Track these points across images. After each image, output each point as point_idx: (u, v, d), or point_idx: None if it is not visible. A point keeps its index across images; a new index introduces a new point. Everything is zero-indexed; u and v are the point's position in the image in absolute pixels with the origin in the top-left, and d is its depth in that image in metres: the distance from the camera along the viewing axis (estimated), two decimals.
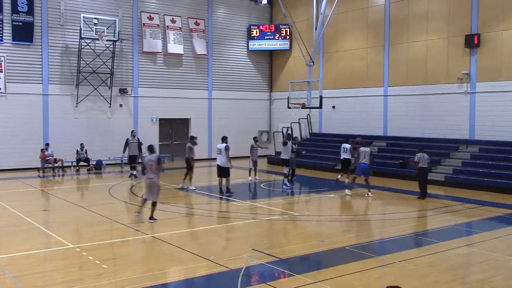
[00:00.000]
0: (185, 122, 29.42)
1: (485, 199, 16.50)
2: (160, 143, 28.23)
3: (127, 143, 21.56)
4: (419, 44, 23.86)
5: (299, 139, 20.81)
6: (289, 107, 24.76)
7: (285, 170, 19.00)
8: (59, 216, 13.78)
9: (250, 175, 20.90)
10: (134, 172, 21.43)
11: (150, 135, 27.42)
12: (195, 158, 18.81)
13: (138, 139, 21.99)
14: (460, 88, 22.18)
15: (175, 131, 29.16)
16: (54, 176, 22.45)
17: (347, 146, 19.81)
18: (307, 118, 29.17)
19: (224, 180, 17.15)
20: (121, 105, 26.78)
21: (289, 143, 18.99)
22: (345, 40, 27.57)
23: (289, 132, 21.29)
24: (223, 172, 17.06)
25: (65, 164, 23.84)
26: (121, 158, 25.51)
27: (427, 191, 16.71)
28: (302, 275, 8.53)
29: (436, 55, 23.16)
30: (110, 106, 26.27)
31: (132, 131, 22.46)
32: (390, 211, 15.32)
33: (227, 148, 16.83)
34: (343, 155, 19.92)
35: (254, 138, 21.51)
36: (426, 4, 23.59)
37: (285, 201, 16.80)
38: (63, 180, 21.83)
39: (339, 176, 20.63)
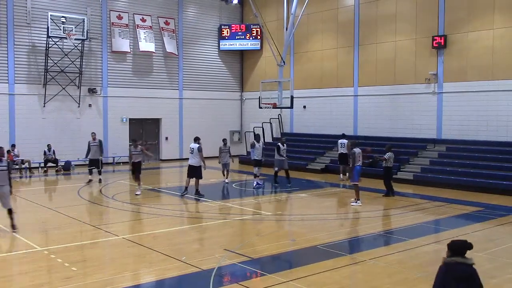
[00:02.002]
0: (156, 122, 29.17)
1: (452, 197, 16.85)
2: (130, 143, 27.80)
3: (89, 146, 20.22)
4: (388, 44, 24.22)
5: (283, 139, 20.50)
6: (260, 107, 24.82)
7: (255, 170, 19.00)
8: (26, 218, 13.47)
9: (224, 176, 20.57)
10: (89, 177, 20.17)
11: (120, 136, 27.13)
12: (137, 161, 17.29)
13: (100, 141, 20.69)
14: (428, 88, 22.60)
15: (145, 131, 28.88)
16: (21, 177, 21.97)
17: (344, 141, 20.70)
18: (278, 118, 29.27)
19: (193, 180, 16.78)
20: (90, 105, 26.37)
21: (257, 144, 19.22)
22: (316, 40, 27.78)
23: (258, 133, 20.74)
24: (194, 172, 16.60)
25: (32, 165, 23.37)
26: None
27: (393, 189, 16.97)
28: (274, 274, 8.55)
29: (405, 55, 23.55)
30: (79, 106, 25.85)
31: (92, 133, 20.84)
32: (360, 210, 15.49)
33: (200, 149, 16.37)
34: (341, 150, 21.03)
35: (223, 140, 20.82)
36: (395, 5, 23.96)
37: (256, 201, 16.83)
38: (31, 182, 21.37)
39: (341, 176, 21.44)
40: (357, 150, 15.88)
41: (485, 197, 16.80)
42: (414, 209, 14.98)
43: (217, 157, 20.72)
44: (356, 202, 15.38)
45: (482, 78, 20.85)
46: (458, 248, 5.09)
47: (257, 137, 19.70)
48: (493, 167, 18.78)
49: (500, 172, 18.32)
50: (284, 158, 19.31)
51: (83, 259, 9.60)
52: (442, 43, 21.81)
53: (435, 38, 22.04)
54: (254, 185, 18.83)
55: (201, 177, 16.73)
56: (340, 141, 21.30)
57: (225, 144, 20.33)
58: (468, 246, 5.10)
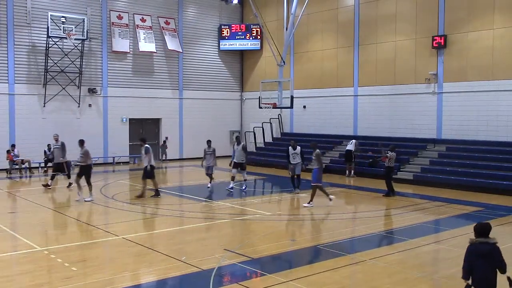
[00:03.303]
0: (156, 122, 29.17)
1: (452, 197, 16.85)
2: (131, 143, 27.92)
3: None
4: (388, 44, 24.22)
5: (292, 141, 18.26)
6: (260, 107, 24.82)
7: (233, 172, 18.21)
8: (26, 218, 13.48)
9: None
10: (50, 183, 18.50)
11: (120, 135, 27.14)
12: (88, 163, 16.22)
13: (62, 143, 18.70)
14: (428, 88, 22.60)
15: (145, 131, 28.86)
16: (21, 177, 21.97)
17: (353, 140, 22.51)
18: (278, 118, 29.27)
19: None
20: (90, 105, 26.38)
21: (236, 146, 18.33)
22: (316, 40, 27.78)
23: (238, 135, 19.66)
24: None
25: (32, 165, 23.37)
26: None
27: (393, 188, 17.00)
28: (274, 274, 8.55)
29: (405, 55, 23.55)
30: (78, 106, 25.85)
31: (54, 135, 19.28)
32: (360, 210, 15.50)
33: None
34: (348, 147, 22.26)
35: (207, 142, 19.26)
36: (395, 5, 23.96)
37: (256, 201, 16.82)
38: (31, 182, 21.37)
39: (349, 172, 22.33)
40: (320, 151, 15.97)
41: (485, 197, 16.80)
42: (414, 209, 14.98)
43: (218, 156, 20.51)
44: (309, 203, 15.05)
45: (482, 78, 20.84)
46: (480, 230, 6.06)
47: (237, 138, 18.82)
48: (493, 167, 18.78)
49: (500, 172, 18.31)
50: (294, 163, 17.49)
51: (83, 259, 9.60)
52: (442, 43, 21.81)
53: (435, 38, 22.04)
54: (230, 187, 17.87)
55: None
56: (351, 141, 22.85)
57: (209, 146, 18.96)
58: (488, 228, 6.05)
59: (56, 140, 18.86)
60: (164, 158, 28.34)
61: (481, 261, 5.93)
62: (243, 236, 11.86)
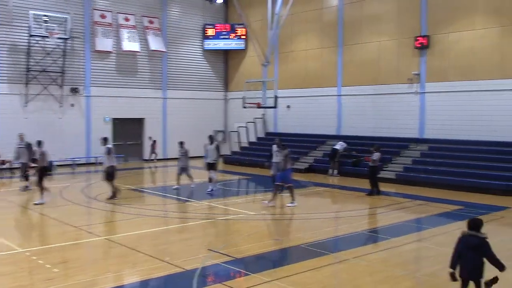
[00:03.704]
0: (139, 122, 29.00)
1: (434, 195, 17.02)
2: (114, 143, 27.70)
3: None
4: (372, 45, 24.38)
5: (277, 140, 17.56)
6: (244, 107, 24.83)
7: (209, 174, 17.63)
8: (8, 220, 13.32)
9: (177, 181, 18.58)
10: (27, 184, 17.90)
11: (103, 135, 26.84)
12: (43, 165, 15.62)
13: (28, 143, 17.99)
14: (411, 88, 22.81)
15: (129, 131, 28.71)
16: (1, 178, 21.69)
17: (344, 143, 22.78)
18: (262, 118, 29.30)
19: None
20: (72, 105, 26.12)
21: (209, 146, 17.65)
22: (300, 40, 27.86)
23: (212, 134, 18.87)
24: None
25: (14, 165, 23.05)
26: (73, 158, 25.00)
27: (379, 188, 17.18)
28: (257, 274, 8.57)
29: (388, 55, 23.73)
30: (61, 106, 25.60)
31: (19, 134, 18.91)
32: (344, 209, 15.59)
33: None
34: (336, 146, 22.57)
35: (180, 143, 18.80)
36: (378, 6, 24.13)
37: (240, 200, 16.83)
38: (11, 183, 21.10)
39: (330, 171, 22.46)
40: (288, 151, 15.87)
41: (466, 195, 17.00)
42: (396, 208, 15.11)
43: (199, 156, 20.45)
44: (292, 203, 15.04)
45: (464, 78, 21.09)
46: (472, 224, 6.51)
47: (210, 137, 18.09)
48: (474, 166, 19.01)
49: (481, 171, 18.55)
50: (276, 162, 16.60)
51: (65, 261, 9.51)
52: (425, 44, 22.03)
53: (417, 38, 22.25)
54: (209, 190, 17.35)
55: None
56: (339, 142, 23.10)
57: (181, 147, 18.57)
58: (480, 223, 6.49)
59: (21, 139, 18.41)
60: (153, 158, 28.25)
61: (470, 253, 6.36)
62: (226, 236, 11.86)
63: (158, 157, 28.44)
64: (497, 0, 20.07)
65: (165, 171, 25.24)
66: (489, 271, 6.38)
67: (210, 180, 17.53)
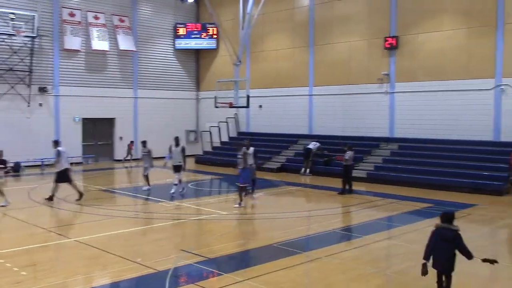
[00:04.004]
0: (110, 121, 28.63)
1: (404, 194, 17.27)
2: (84, 143, 27.33)
3: None
4: (342, 45, 24.62)
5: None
6: (216, 107, 24.76)
7: (177, 176, 16.94)
8: None
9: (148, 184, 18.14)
10: None
11: (73, 136, 26.48)
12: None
13: None
14: (381, 88, 23.11)
15: (99, 131, 28.32)
16: None
17: (317, 143, 22.88)
18: (234, 117, 29.28)
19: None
20: (40, 104, 25.62)
21: (174, 148, 17.00)
22: (272, 40, 27.93)
23: (178, 136, 17.79)
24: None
25: None
26: (41, 159, 24.54)
27: (352, 187, 17.37)
28: (230, 273, 8.56)
29: (358, 56, 24.00)
30: (29, 105, 25.07)
31: None
32: (316, 208, 15.70)
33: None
34: (309, 145, 22.60)
35: (142, 142, 18.48)
36: (348, 7, 24.37)
37: (213, 200, 16.78)
38: None
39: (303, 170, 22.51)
40: (250, 150, 15.91)
41: (435, 193, 17.30)
42: (367, 206, 15.29)
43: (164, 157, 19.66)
44: (239, 204, 14.79)
45: (432, 78, 21.48)
46: (445, 217, 6.87)
47: (175, 139, 17.32)
48: (443, 165, 19.39)
49: (449, 169, 18.94)
50: (253, 165, 16.49)
51: (34, 263, 9.32)
52: (394, 44, 22.36)
53: (387, 39, 22.57)
54: (172, 191, 16.66)
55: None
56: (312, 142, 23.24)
57: (144, 146, 18.20)
58: (452, 216, 6.88)
59: None
60: (128, 159, 28.02)
61: (443, 245, 6.71)
62: (199, 236, 11.81)
63: (130, 158, 28.17)
64: (465, 2, 20.50)
65: (137, 172, 24.96)
66: (461, 262, 6.80)
67: (180, 181, 17.01)
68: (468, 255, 6.69)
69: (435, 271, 6.88)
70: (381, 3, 23.03)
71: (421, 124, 21.77)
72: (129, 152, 28.13)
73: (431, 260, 6.81)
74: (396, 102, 22.69)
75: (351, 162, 17.53)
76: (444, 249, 6.70)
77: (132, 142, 28.24)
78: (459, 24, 20.74)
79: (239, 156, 15.43)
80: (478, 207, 15.00)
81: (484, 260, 6.70)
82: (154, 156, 18.21)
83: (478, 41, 20.23)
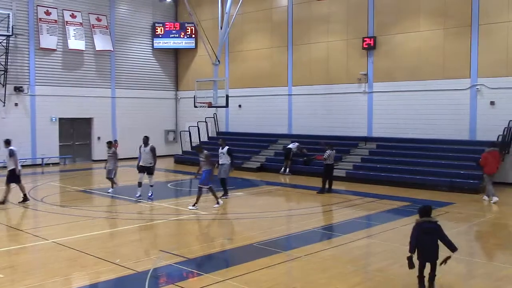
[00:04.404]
0: (88, 121, 28.31)
1: (382, 192, 17.45)
2: (61, 143, 26.97)
3: None
4: (321, 45, 24.75)
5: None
6: (195, 106, 24.65)
7: (140, 177, 15.99)
8: None
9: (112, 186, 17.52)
10: None
11: (50, 136, 26.12)
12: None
13: None
14: (359, 87, 23.31)
15: (76, 131, 27.99)
16: None
17: (296, 143, 22.98)
18: (213, 117, 29.21)
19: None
20: (16, 104, 25.20)
21: (143, 148, 15.92)
22: (250, 40, 27.94)
23: (147, 135, 16.53)
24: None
25: None
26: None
27: (331, 186, 17.48)
28: (210, 274, 8.53)
29: (337, 56, 24.16)
30: (4, 105, 24.65)
31: None
32: (295, 207, 15.77)
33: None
34: (290, 145, 22.80)
35: (107, 143, 17.91)
36: (327, 7, 24.52)
37: (192, 200, 16.68)
38: None
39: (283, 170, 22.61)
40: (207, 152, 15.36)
41: (412, 192, 17.52)
42: (346, 205, 15.40)
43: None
44: (194, 206, 14.46)
45: (409, 78, 21.75)
46: (423, 211, 7.48)
47: (145, 139, 16.10)
48: (420, 164, 19.65)
49: (426, 168, 19.21)
50: (220, 164, 16.51)
51: (11, 265, 9.18)
52: (372, 44, 22.57)
53: (365, 39, 22.78)
54: (138, 195, 15.80)
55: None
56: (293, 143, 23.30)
57: (109, 147, 17.57)
58: (429, 209, 7.52)
59: None
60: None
61: (426, 237, 7.30)
62: (179, 237, 11.76)
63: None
64: (441, 3, 20.80)
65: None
66: (441, 251, 7.45)
67: (140, 185, 15.85)
68: (451, 246, 7.32)
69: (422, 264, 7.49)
70: (359, 3, 23.23)
71: (399, 123, 22.03)
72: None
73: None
74: (374, 102, 22.92)
75: (331, 161, 17.62)
76: (428, 241, 7.28)
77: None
78: (435, 25, 21.03)
79: (201, 159, 14.77)
80: (455, 206, 15.24)
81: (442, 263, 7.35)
82: (120, 158, 17.82)
83: (454, 41, 20.55)
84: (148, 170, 15.99)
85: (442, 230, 7.37)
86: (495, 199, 15.66)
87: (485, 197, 16.08)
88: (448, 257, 7.35)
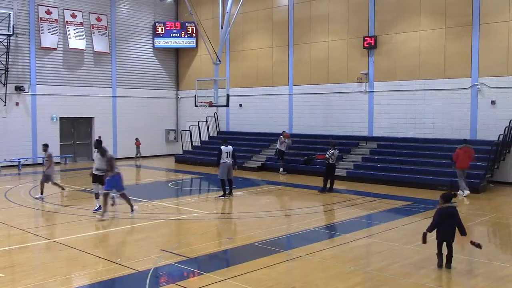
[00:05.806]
0: (88, 121, 28.32)
1: (383, 192, 17.45)
2: (62, 143, 26.99)
3: None
4: (321, 44, 24.75)
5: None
6: (196, 106, 24.65)
7: (95, 188, 14.05)
8: None
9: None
10: None
11: (50, 135, 26.12)
12: None
13: None
14: (360, 87, 23.30)
15: (77, 130, 28.01)
16: None
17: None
18: (214, 117, 29.21)
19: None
20: (17, 104, 25.22)
21: (96, 154, 14.17)
22: (251, 39, 27.94)
23: (99, 138, 15.91)
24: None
25: None
26: (18, 159, 24.18)
27: (333, 186, 17.47)
28: (211, 273, 8.54)
29: (337, 55, 24.15)
30: (5, 105, 24.67)
31: None
32: (296, 207, 15.77)
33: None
34: (278, 147, 22.51)
35: (43, 146, 16.47)
36: (327, 6, 24.52)
37: (193, 200, 16.72)
38: None
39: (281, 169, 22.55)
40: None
41: (413, 191, 17.52)
42: (347, 204, 15.41)
43: (156, 156, 19.45)
44: (132, 211, 13.27)
45: (410, 77, 21.74)
46: (447, 197, 8.69)
47: (97, 143, 14.27)
48: (420, 163, 19.65)
49: (427, 167, 19.20)
50: (225, 163, 16.15)
51: (11, 264, 9.19)
52: (373, 43, 22.56)
53: (366, 38, 22.76)
54: (95, 208, 13.80)
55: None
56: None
57: (44, 150, 16.18)
58: (452, 195, 8.80)
59: None
60: (139, 156, 28.56)
61: (446, 220, 8.56)
62: (179, 236, 11.77)
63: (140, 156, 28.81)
64: (442, 3, 20.79)
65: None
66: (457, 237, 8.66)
67: (97, 196, 13.89)
68: (463, 231, 8.61)
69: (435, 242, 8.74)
70: (360, 3, 23.22)
71: (399, 123, 22.03)
72: (138, 150, 28.63)
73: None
74: (375, 101, 22.91)
75: (334, 161, 17.57)
76: (448, 224, 8.55)
77: (136, 139, 28.60)
78: (436, 24, 21.02)
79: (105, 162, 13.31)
80: (456, 205, 15.21)
81: (472, 243, 8.58)
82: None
83: (454, 41, 20.53)
84: (98, 178, 13.81)
85: (458, 214, 8.70)
86: (466, 192, 16.48)
87: (460, 192, 16.41)
88: (479, 246, 8.59)
